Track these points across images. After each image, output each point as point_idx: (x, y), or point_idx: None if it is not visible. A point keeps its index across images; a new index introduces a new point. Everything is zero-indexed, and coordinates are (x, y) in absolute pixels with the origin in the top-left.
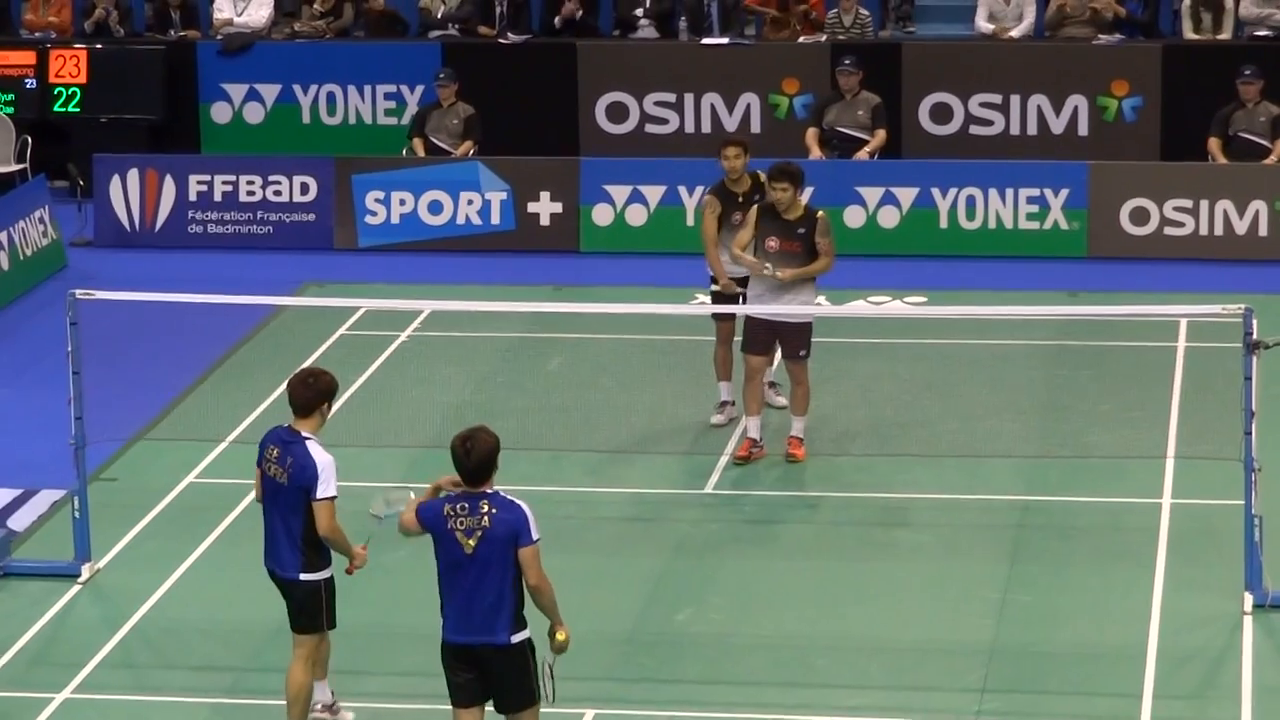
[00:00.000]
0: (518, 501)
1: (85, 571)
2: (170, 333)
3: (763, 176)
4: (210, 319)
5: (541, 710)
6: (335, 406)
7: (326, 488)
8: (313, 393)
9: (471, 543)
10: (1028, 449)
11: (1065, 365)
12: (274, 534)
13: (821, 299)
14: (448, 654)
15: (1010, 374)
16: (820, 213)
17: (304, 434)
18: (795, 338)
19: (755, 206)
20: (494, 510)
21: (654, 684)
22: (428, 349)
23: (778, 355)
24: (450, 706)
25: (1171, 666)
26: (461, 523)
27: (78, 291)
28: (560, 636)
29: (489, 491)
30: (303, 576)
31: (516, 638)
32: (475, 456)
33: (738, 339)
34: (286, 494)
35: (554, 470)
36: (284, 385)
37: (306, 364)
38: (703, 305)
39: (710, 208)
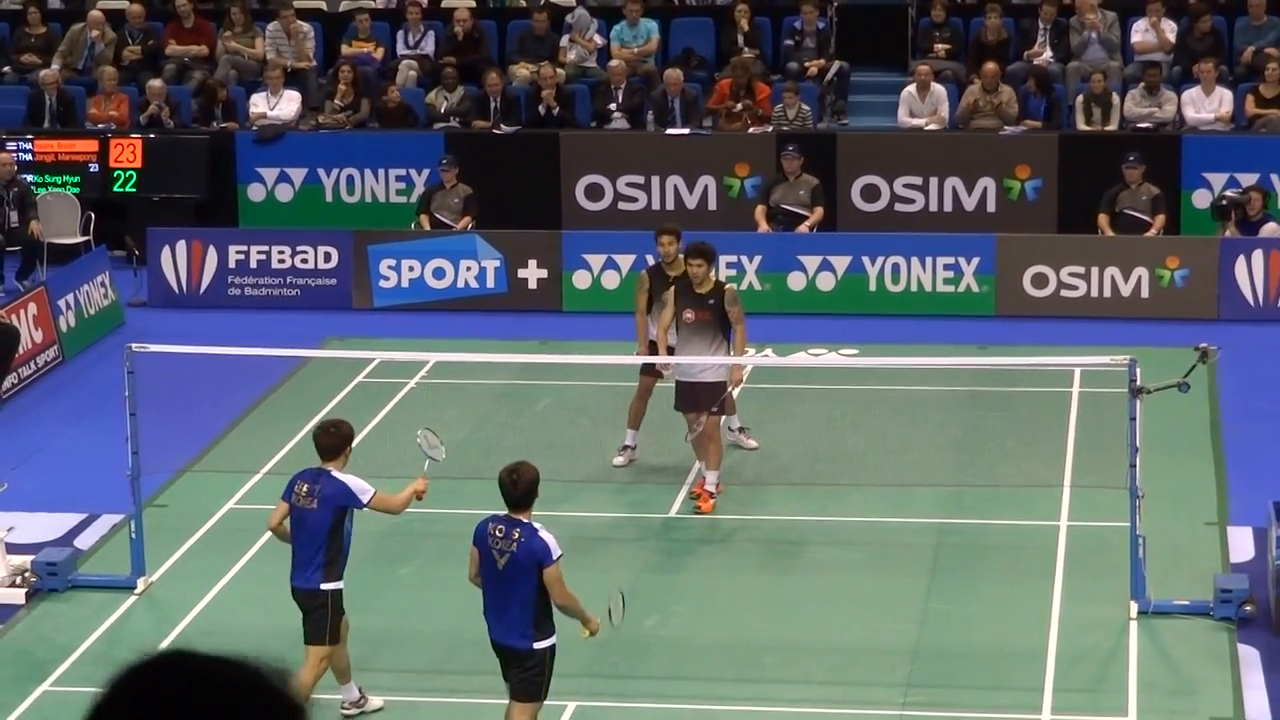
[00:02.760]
0: (543, 534)
1: (140, 585)
2: (213, 380)
3: (729, 287)
4: (246, 368)
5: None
6: (353, 444)
7: (364, 494)
8: (336, 439)
9: (503, 561)
10: (944, 479)
11: (977, 408)
12: (297, 551)
13: (768, 351)
14: (494, 650)
15: (929, 415)
16: (729, 285)
17: (330, 469)
18: (708, 396)
19: (672, 286)
20: (521, 538)
21: (626, 680)
22: (433, 394)
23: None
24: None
25: (1068, 665)
26: (497, 543)
27: (134, 345)
28: (584, 635)
29: (524, 521)
30: (322, 586)
31: (538, 644)
32: (521, 486)
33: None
34: (315, 515)
35: (541, 497)
36: (309, 429)
37: (329, 407)
38: (656, 357)
39: (641, 284)
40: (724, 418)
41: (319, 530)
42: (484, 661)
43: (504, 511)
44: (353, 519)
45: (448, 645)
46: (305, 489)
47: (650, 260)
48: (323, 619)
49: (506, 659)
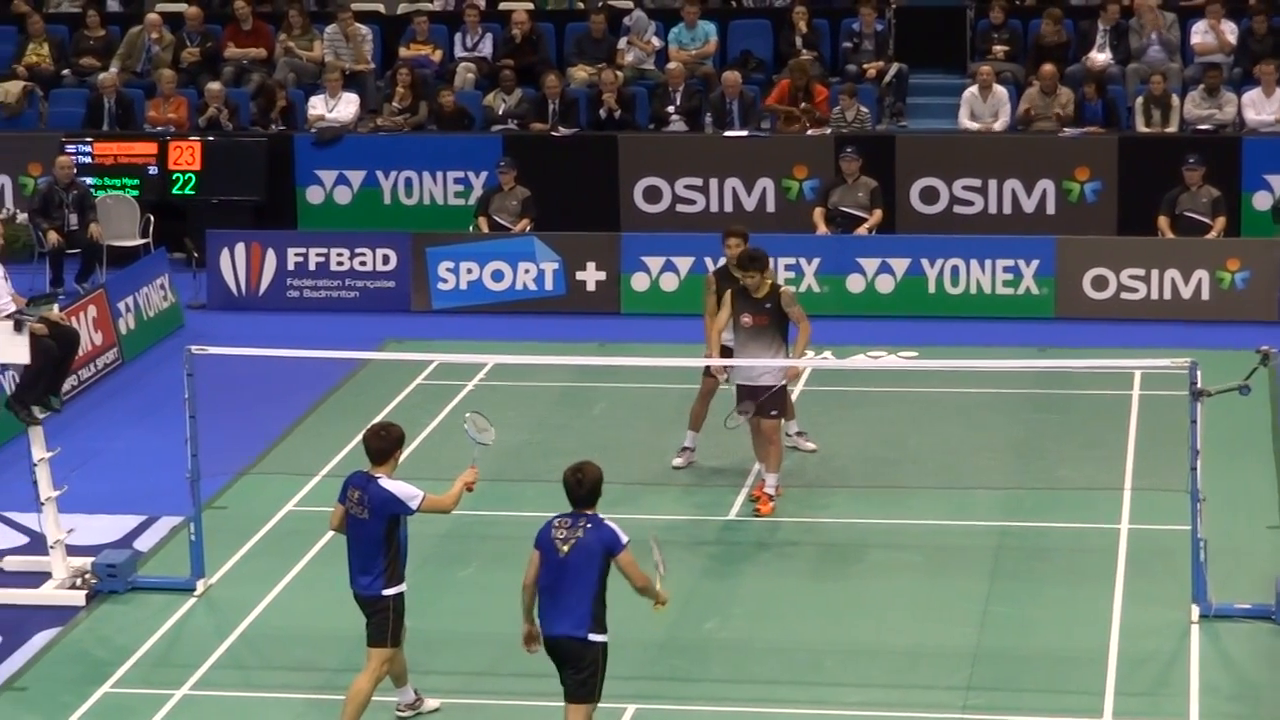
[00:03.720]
0: (609, 523)
1: (200, 586)
2: (272, 383)
3: (785, 288)
4: (305, 371)
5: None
6: (413, 446)
7: (413, 500)
8: (386, 443)
9: (566, 548)
10: (1004, 482)
11: (1037, 410)
12: (355, 559)
13: (827, 353)
14: (549, 650)
15: (989, 418)
16: (785, 287)
17: (378, 475)
18: (770, 400)
19: (730, 291)
20: (589, 526)
21: (685, 683)
22: (492, 396)
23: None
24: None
25: (1129, 668)
26: (561, 533)
27: (193, 347)
28: (658, 609)
29: (589, 513)
30: (385, 591)
31: (594, 636)
32: (586, 484)
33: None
34: (369, 525)
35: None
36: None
37: (388, 409)
38: (714, 360)
39: (708, 287)
40: (786, 422)
41: (374, 539)
42: (541, 664)
43: (566, 511)
44: (406, 523)
45: (505, 647)
46: (356, 496)
47: (710, 264)
48: (384, 623)
49: (562, 654)
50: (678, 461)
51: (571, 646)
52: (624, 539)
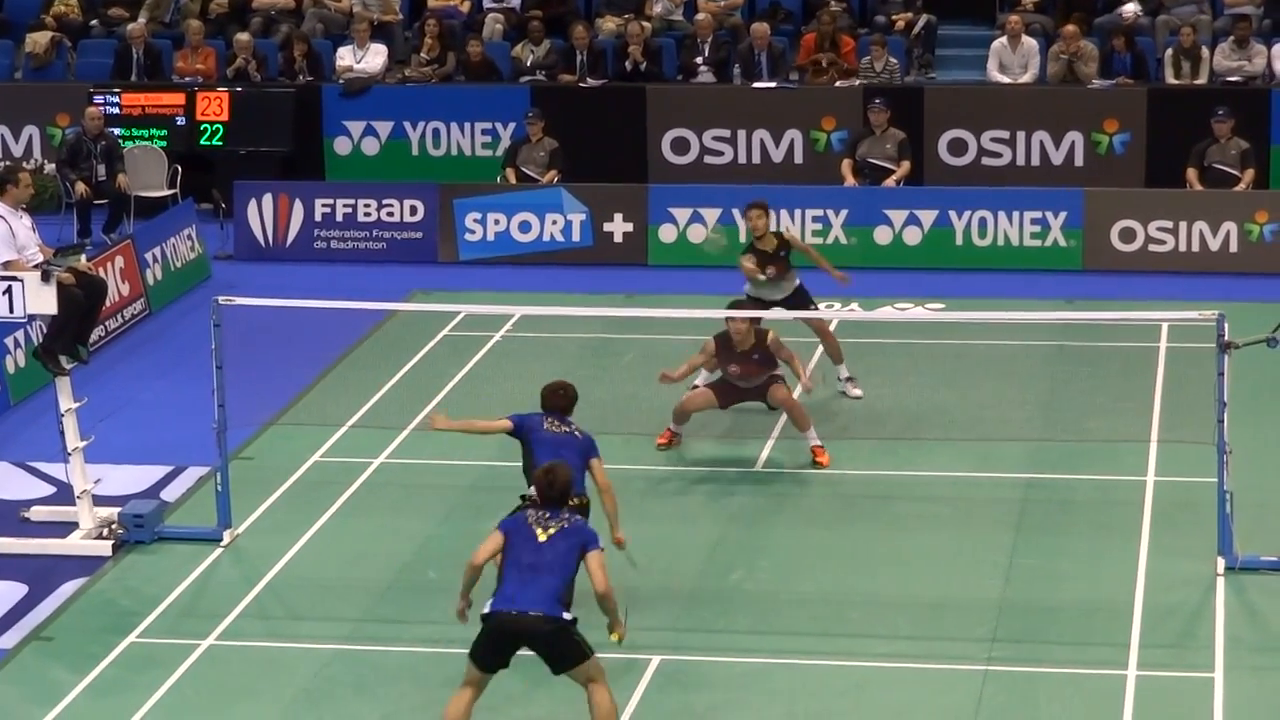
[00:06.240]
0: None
1: (226, 537)
2: (298, 333)
3: (787, 234)
4: (332, 321)
5: (612, 654)
6: (440, 396)
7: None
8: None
9: (547, 534)
10: (1031, 434)
11: (1064, 363)
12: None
13: (854, 305)
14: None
15: (1016, 370)
16: (771, 333)
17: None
18: (756, 394)
19: (714, 340)
20: (573, 519)
21: (711, 634)
22: (519, 347)
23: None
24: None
25: (1155, 620)
26: (542, 520)
27: (220, 298)
28: (613, 638)
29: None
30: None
31: (568, 615)
32: (558, 486)
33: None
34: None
35: (628, 451)
36: (396, 379)
37: (415, 360)
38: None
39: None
40: (835, 366)
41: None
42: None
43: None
44: None
45: None
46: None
47: (738, 217)
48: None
49: (522, 631)
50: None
51: (541, 624)
52: (600, 542)
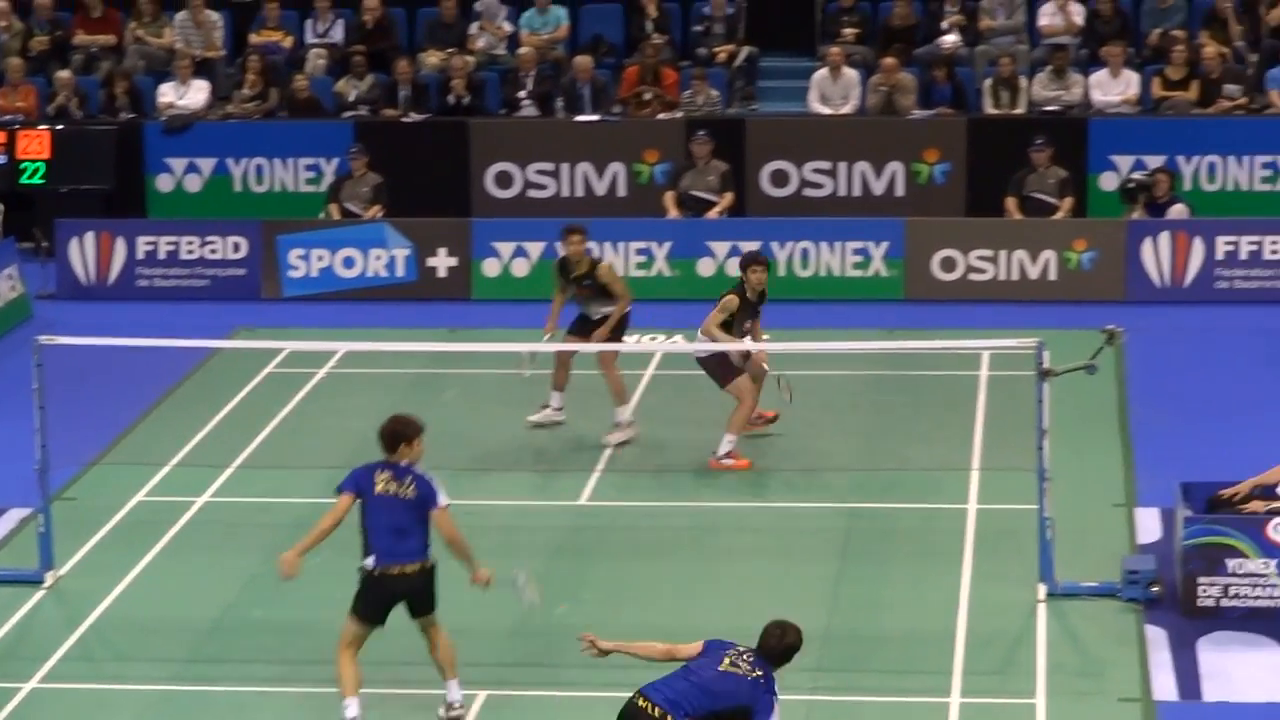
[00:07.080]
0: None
1: (49, 578)
2: (121, 372)
3: (601, 266)
4: (156, 360)
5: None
6: (263, 435)
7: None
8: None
9: (409, 491)
10: (854, 463)
11: (886, 392)
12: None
13: (678, 337)
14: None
15: (839, 400)
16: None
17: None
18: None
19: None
20: (416, 474)
21: (537, 668)
22: (343, 383)
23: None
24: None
25: (978, 647)
26: (394, 481)
27: (42, 338)
28: (477, 581)
29: (404, 464)
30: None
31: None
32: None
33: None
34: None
35: (450, 486)
36: (220, 417)
37: (239, 398)
38: (569, 344)
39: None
40: (619, 408)
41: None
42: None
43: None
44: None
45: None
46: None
47: (560, 249)
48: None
49: (405, 587)
50: (536, 418)
51: (418, 576)
52: (442, 497)
